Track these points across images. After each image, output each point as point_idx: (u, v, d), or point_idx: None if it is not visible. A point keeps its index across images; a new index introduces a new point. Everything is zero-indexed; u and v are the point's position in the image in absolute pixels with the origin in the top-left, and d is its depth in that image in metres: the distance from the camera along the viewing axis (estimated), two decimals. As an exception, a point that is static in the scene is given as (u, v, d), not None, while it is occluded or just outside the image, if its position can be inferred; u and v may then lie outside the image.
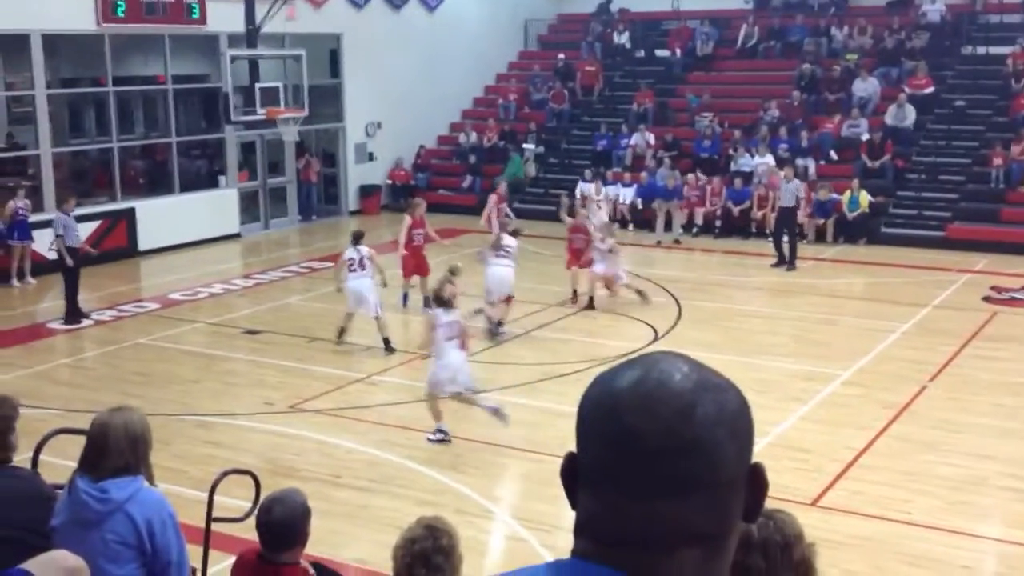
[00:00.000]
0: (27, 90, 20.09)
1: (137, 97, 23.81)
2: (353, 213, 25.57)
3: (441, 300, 10.83)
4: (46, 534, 3.92)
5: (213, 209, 22.62)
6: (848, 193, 21.46)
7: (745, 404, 1.31)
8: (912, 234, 21.19)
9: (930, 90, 23.87)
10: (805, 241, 20.97)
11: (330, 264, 18.06)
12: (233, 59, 20.99)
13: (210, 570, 5.63)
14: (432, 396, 10.75)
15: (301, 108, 21.85)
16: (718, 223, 22.59)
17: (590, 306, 16.03)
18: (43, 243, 17.80)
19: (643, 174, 23.69)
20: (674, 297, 16.91)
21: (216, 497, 5.36)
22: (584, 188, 22.76)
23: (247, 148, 23.92)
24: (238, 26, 21.50)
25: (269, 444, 10.84)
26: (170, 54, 21.88)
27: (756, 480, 1.30)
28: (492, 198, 19.45)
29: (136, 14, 20.63)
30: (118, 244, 20.46)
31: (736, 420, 1.28)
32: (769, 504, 1.38)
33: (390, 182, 26.39)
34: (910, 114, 23.20)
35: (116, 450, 3.96)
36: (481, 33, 28.38)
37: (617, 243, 16.53)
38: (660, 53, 28.42)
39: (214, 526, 5.40)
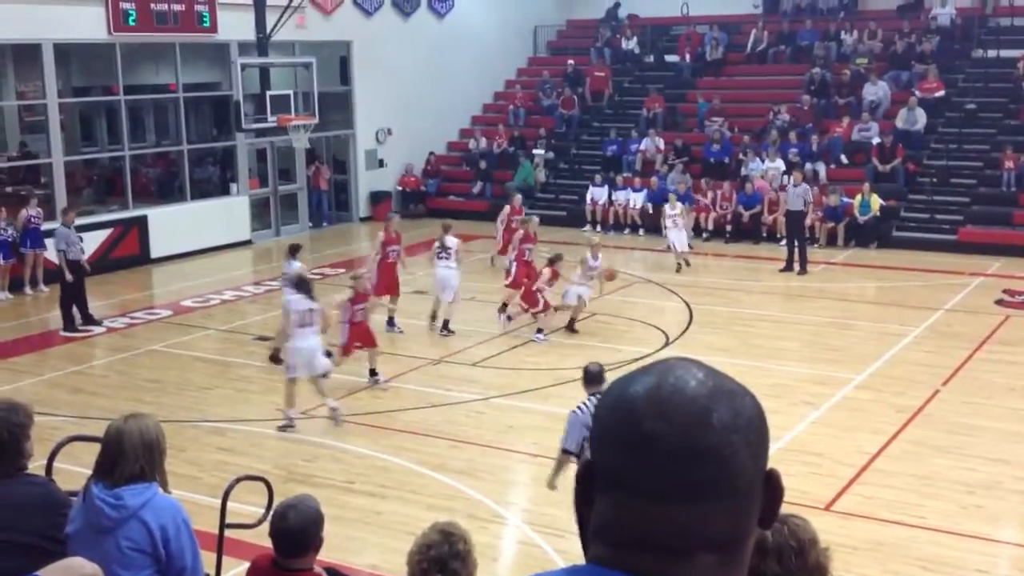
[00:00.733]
0: (39, 99, 20.18)
1: (148, 105, 23.93)
2: (364, 220, 25.63)
3: (301, 286, 11.26)
4: (61, 541, 3.93)
5: (224, 216, 22.69)
6: (859, 197, 21.42)
7: (760, 410, 1.32)
8: (924, 238, 21.15)
9: (940, 93, 23.81)
10: (817, 245, 20.94)
11: (343, 270, 17.97)
12: (244, 67, 21.03)
13: (224, 576, 5.64)
14: (289, 381, 11.22)
15: (312, 115, 21.86)
16: (729, 228, 22.58)
17: (571, 327, 15.23)
18: (53, 252, 17.83)
19: (653, 179, 23.71)
20: (685, 302, 16.90)
21: (229, 503, 5.37)
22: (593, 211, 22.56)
23: (258, 155, 24.01)
24: (248, 34, 21.57)
25: (282, 450, 10.88)
26: (181, 62, 21.98)
27: (772, 486, 1.31)
28: (506, 209, 19.27)
29: (147, 23, 20.72)
30: (130, 252, 20.55)
31: (752, 426, 1.28)
32: (783, 509, 1.38)
33: (400, 188, 26.45)
34: (921, 118, 23.14)
35: (131, 457, 3.97)
36: (490, 39, 28.40)
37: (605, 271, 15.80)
38: (669, 58, 28.44)
39: (228, 532, 5.41)
